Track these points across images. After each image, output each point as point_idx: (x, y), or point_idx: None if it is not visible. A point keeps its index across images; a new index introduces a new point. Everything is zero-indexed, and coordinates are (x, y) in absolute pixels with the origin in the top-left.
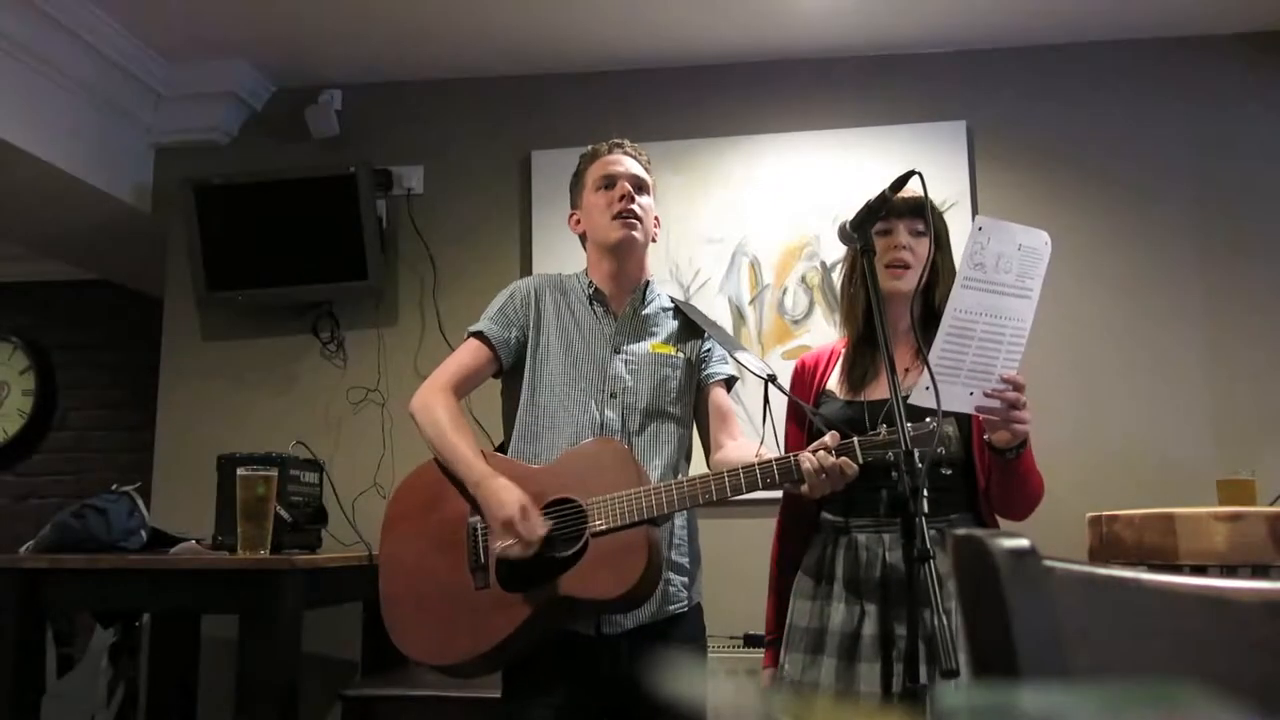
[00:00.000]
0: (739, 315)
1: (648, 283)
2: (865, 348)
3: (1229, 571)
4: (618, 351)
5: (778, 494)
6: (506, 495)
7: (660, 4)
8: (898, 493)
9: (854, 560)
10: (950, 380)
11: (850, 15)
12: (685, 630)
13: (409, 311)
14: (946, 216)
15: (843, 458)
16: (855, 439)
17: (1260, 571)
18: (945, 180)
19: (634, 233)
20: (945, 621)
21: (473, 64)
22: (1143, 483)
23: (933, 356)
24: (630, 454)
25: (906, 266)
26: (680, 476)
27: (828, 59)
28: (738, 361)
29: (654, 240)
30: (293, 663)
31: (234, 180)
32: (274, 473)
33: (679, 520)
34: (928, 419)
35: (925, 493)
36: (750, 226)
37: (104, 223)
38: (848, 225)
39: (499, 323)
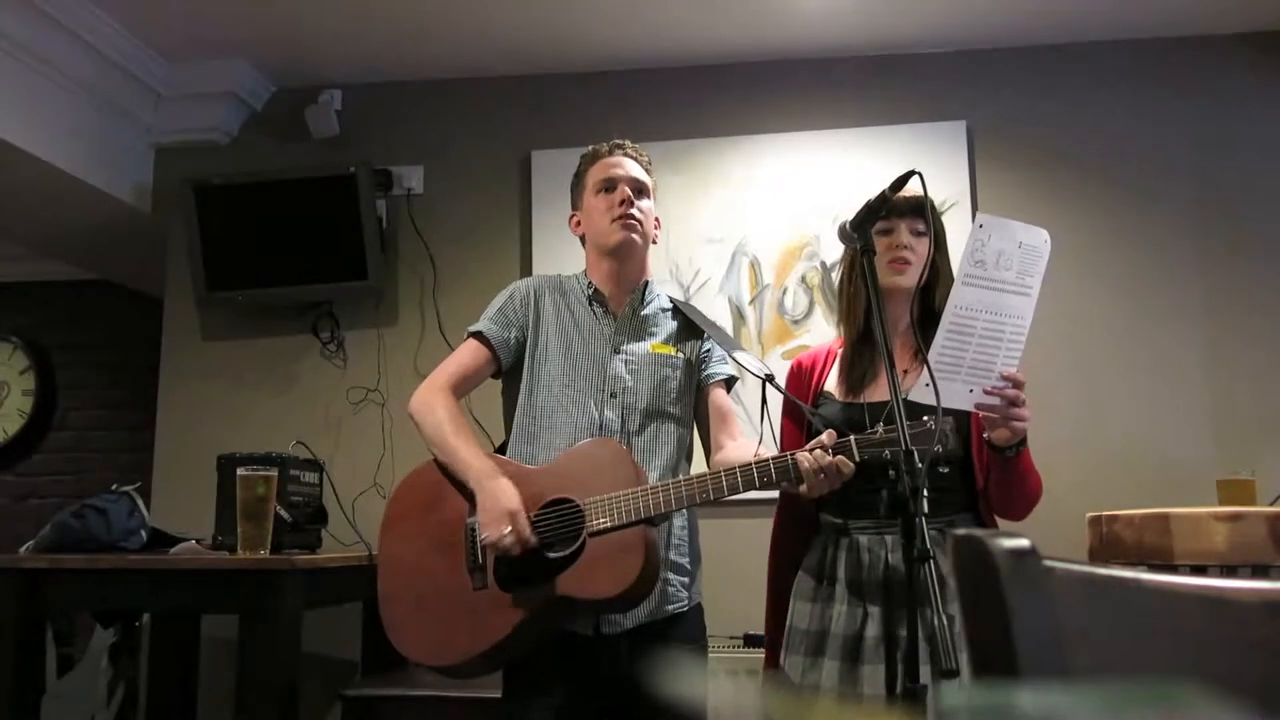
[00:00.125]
0: (739, 315)
1: (647, 283)
2: (864, 348)
3: (1229, 571)
4: (617, 351)
5: (777, 494)
6: (503, 494)
7: (660, 4)
8: (897, 493)
9: (856, 562)
10: (950, 377)
11: (850, 15)
12: (685, 630)
13: (409, 311)
14: (946, 216)
15: (839, 456)
16: (852, 437)
17: (1260, 571)
18: (945, 180)
19: (634, 235)
20: (946, 622)
21: (473, 64)
22: (1143, 483)
23: (933, 354)
24: (628, 454)
25: (908, 263)
26: (680, 477)
27: (828, 59)
28: (736, 361)
29: (654, 242)
30: (293, 663)
31: (234, 180)
32: (274, 473)
33: (679, 520)
34: (926, 418)
35: (925, 493)
36: (750, 226)
37: (104, 223)
38: (848, 225)
39: (498, 323)
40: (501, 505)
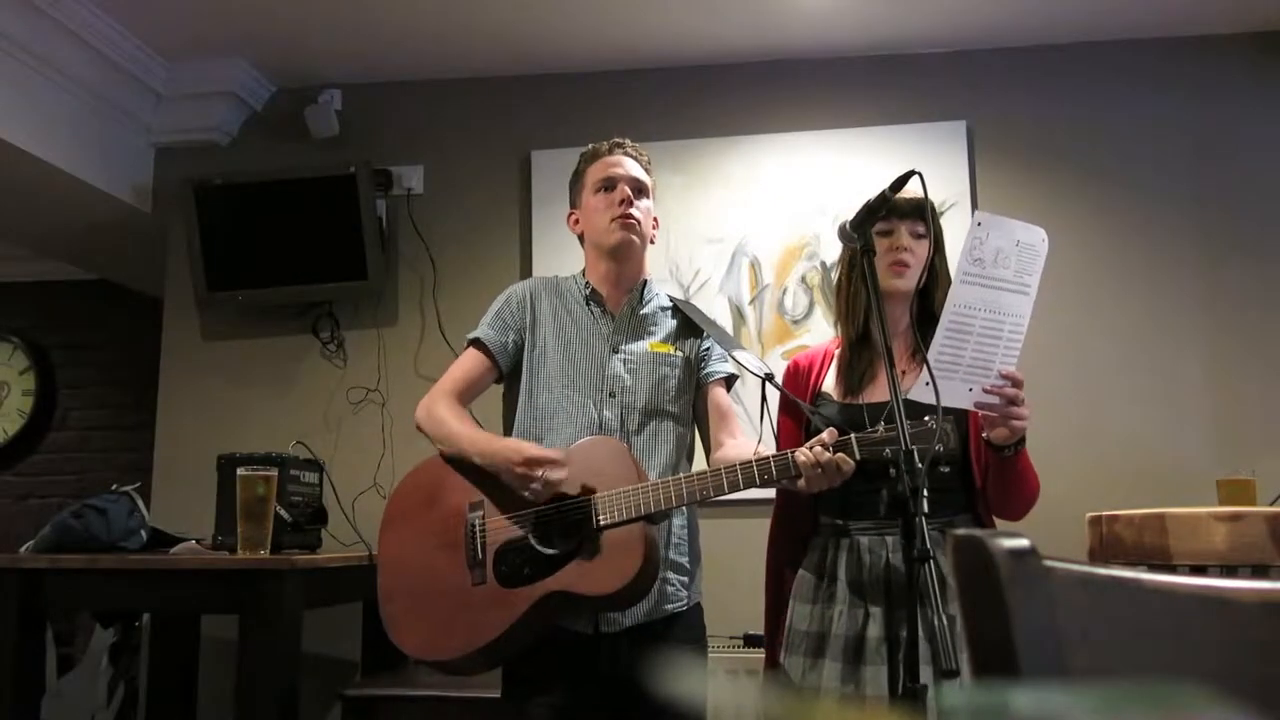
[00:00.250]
0: (739, 315)
1: (645, 282)
2: (862, 348)
3: (1229, 571)
4: (615, 351)
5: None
6: (517, 443)
7: (660, 4)
8: (898, 492)
9: (857, 563)
10: (949, 376)
11: (850, 15)
12: (685, 629)
13: (409, 311)
14: (946, 216)
15: (839, 454)
16: (852, 435)
17: (1260, 571)
18: (945, 180)
19: (633, 236)
20: (946, 622)
21: (473, 64)
22: (1143, 483)
23: (932, 353)
24: (628, 451)
25: (907, 266)
26: (680, 474)
27: (828, 59)
28: (736, 360)
29: (652, 242)
30: (293, 663)
31: (234, 180)
32: (274, 473)
33: (678, 519)
34: (926, 417)
35: (925, 493)
36: (750, 226)
37: (104, 223)
38: (848, 225)
39: (495, 328)
40: (523, 454)
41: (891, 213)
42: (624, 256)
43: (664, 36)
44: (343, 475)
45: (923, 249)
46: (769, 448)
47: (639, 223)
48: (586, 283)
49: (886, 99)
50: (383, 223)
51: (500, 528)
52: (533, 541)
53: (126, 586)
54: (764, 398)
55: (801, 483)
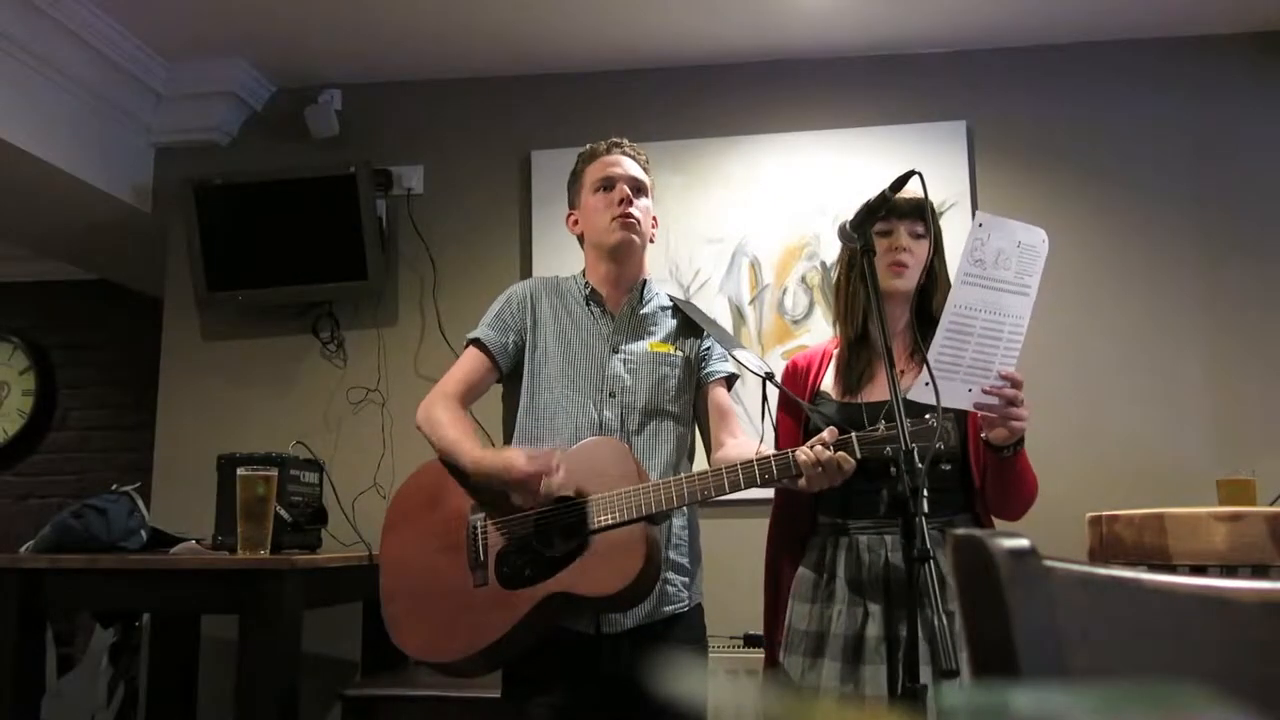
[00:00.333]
0: (739, 315)
1: (645, 282)
2: (861, 348)
3: (1229, 571)
4: (615, 351)
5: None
6: (506, 461)
7: (660, 4)
8: (898, 492)
9: (856, 562)
10: (949, 377)
11: (850, 15)
12: (686, 630)
13: (409, 311)
14: (946, 216)
15: (840, 453)
16: (853, 434)
17: (1260, 571)
18: (945, 180)
19: (632, 236)
20: (946, 622)
21: (473, 64)
22: (1143, 483)
23: (932, 353)
24: (629, 451)
25: (906, 266)
26: (680, 475)
27: (828, 59)
28: (736, 359)
29: (652, 241)
30: (293, 663)
31: (234, 180)
32: (274, 473)
33: (679, 520)
34: (927, 415)
35: (925, 492)
36: (750, 226)
37: (104, 223)
38: (848, 225)
39: (495, 328)
40: (518, 468)
41: (891, 213)
42: (624, 257)
43: (664, 36)
44: (343, 475)
45: (921, 249)
46: (770, 447)
47: (638, 222)
48: (586, 283)
49: (886, 99)
50: (383, 223)
51: (502, 529)
52: (534, 543)
53: (126, 586)
54: (764, 397)
55: (802, 482)
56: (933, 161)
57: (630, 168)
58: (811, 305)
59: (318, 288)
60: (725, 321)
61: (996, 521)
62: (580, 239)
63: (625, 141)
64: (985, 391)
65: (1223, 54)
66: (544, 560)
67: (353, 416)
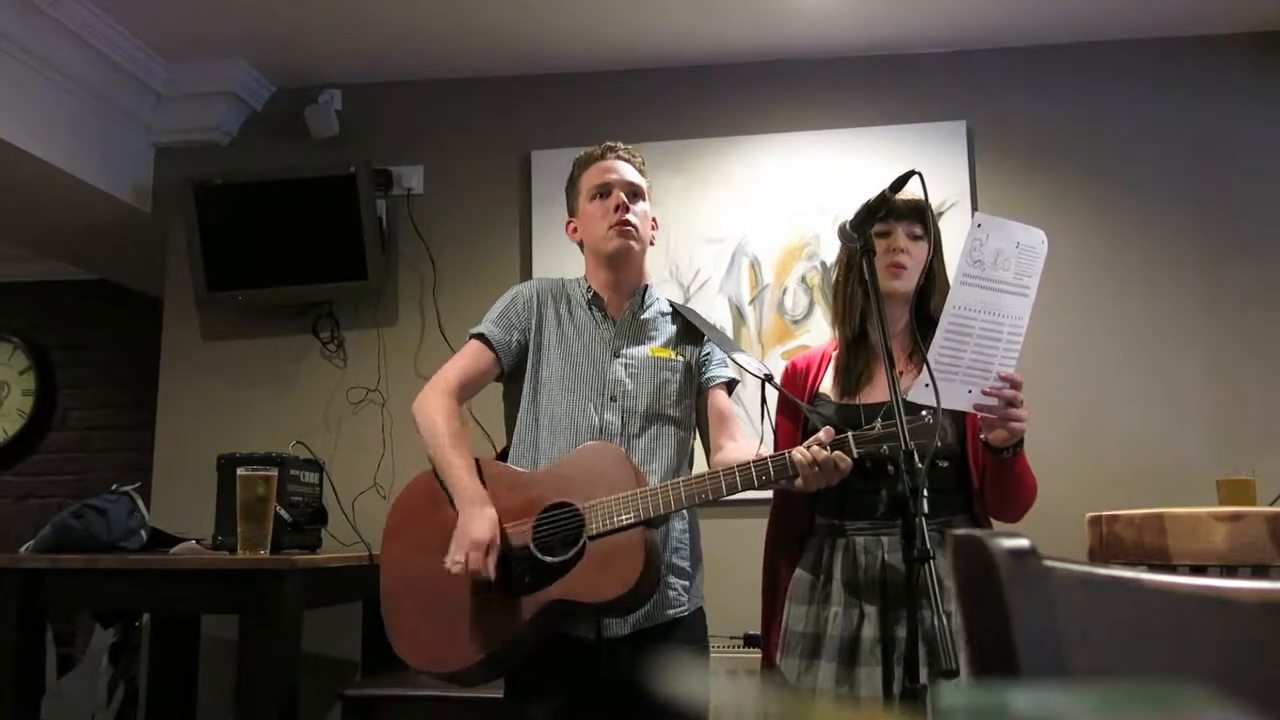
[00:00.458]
0: (739, 315)
1: (646, 287)
2: (859, 349)
3: (1229, 571)
4: (617, 355)
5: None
6: (477, 526)
7: (660, 4)
8: (898, 492)
9: (852, 563)
10: (949, 378)
11: (850, 15)
12: (686, 633)
13: (409, 311)
14: (946, 216)
15: (836, 452)
16: (849, 433)
17: (1260, 571)
18: (945, 180)
19: (631, 242)
20: (945, 622)
21: (473, 64)
22: (1143, 483)
23: (931, 354)
24: (627, 456)
25: (904, 268)
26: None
27: (828, 59)
28: (736, 363)
29: (651, 244)
30: (293, 663)
31: (234, 180)
32: (274, 473)
33: (679, 522)
34: (923, 412)
35: (925, 492)
36: (750, 226)
37: (104, 223)
38: (848, 225)
39: (500, 326)
40: (471, 536)
41: (889, 214)
42: (622, 263)
43: (664, 36)
44: (343, 475)
45: (919, 250)
46: (769, 449)
47: (636, 228)
48: (589, 287)
49: (886, 99)
50: (383, 223)
51: (501, 537)
52: (533, 549)
53: (126, 586)
54: (763, 399)
55: (799, 482)
56: (933, 161)
57: (626, 172)
58: (811, 305)
59: (318, 288)
60: (725, 322)
61: (995, 522)
62: (581, 245)
63: (620, 145)
64: (985, 392)
65: (1223, 54)
66: (543, 567)
67: (353, 416)
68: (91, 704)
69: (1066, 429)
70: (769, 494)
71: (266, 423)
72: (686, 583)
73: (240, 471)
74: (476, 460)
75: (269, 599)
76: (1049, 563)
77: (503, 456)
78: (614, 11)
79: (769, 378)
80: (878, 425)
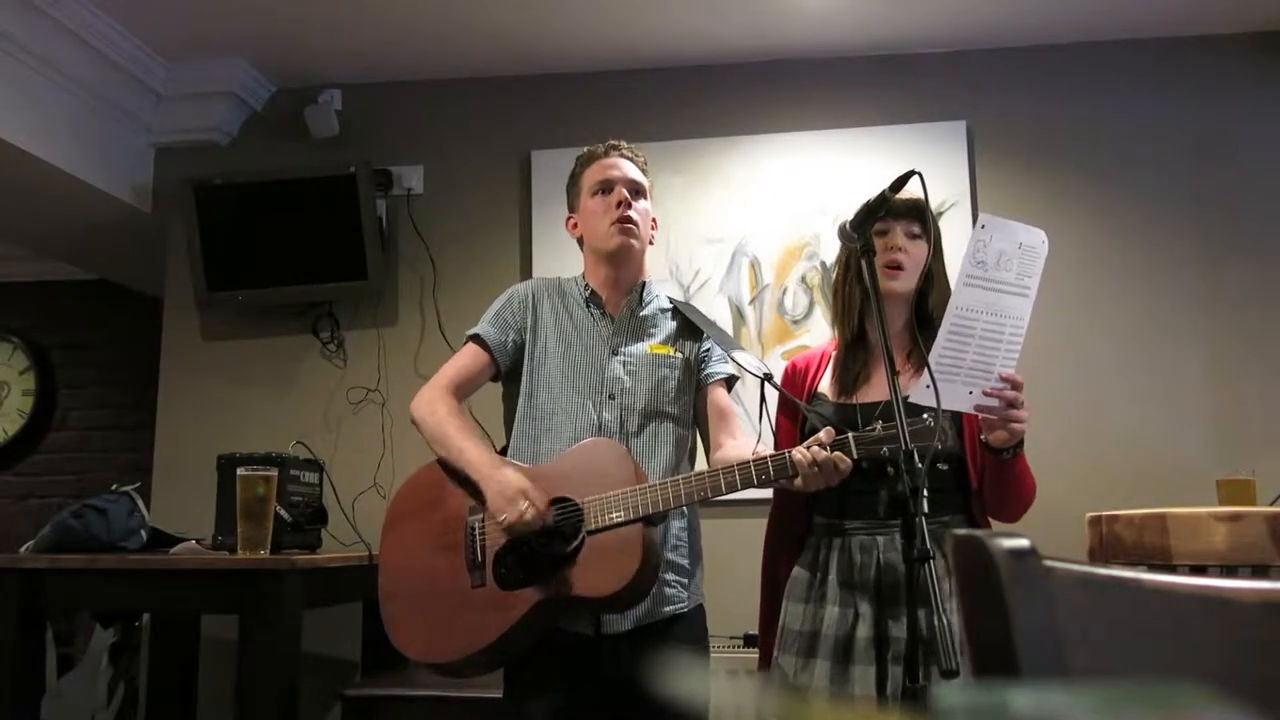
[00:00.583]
0: (739, 315)
1: (645, 284)
2: (858, 349)
3: (1229, 571)
4: (615, 353)
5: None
6: (510, 474)
7: (660, 4)
8: (898, 492)
9: (848, 562)
10: (950, 379)
11: (850, 15)
12: (686, 630)
13: (409, 311)
14: (946, 216)
15: (836, 452)
16: (850, 434)
17: (1260, 571)
18: (945, 180)
19: (632, 241)
20: (946, 622)
21: (473, 64)
22: (1143, 483)
23: (933, 356)
24: (627, 453)
25: (901, 268)
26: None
27: (828, 59)
28: (735, 361)
29: (651, 243)
30: (293, 663)
31: (234, 180)
32: (274, 473)
33: (678, 521)
34: (925, 414)
35: (925, 492)
36: (750, 226)
37: (104, 223)
38: (848, 225)
39: (496, 326)
40: (513, 487)
41: (888, 213)
42: (623, 260)
43: (664, 36)
44: (343, 475)
45: (918, 249)
46: (769, 448)
47: (637, 225)
48: (586, 285)
49: (886, 99)
50: (383, 223)
51: (500, 530)
52: (532, 543)
53: (126, 586)
54: (763, 398)
55: (799, 482)
56: (933, 161)
57: (628, 170)
58: (811, 305)
59: (318, 288)
60: (725, 322)
61: (993, 522)
62: (580, 242)
63: (623, 143)
64: (986, 393)
65: (1223, 54)
66: (542, 561)
67: (353, 416)
68: (91, 704)
69: (1066, 429)
70: (769, 493)
71: (266, 423)
72: (685, 580)
73: (240, 471)
74: None
75: (269, 599)
76: (1049, 563)
77: (501, 454)
78: (614, 11)
79: (768, 376)
80: (878, 426)
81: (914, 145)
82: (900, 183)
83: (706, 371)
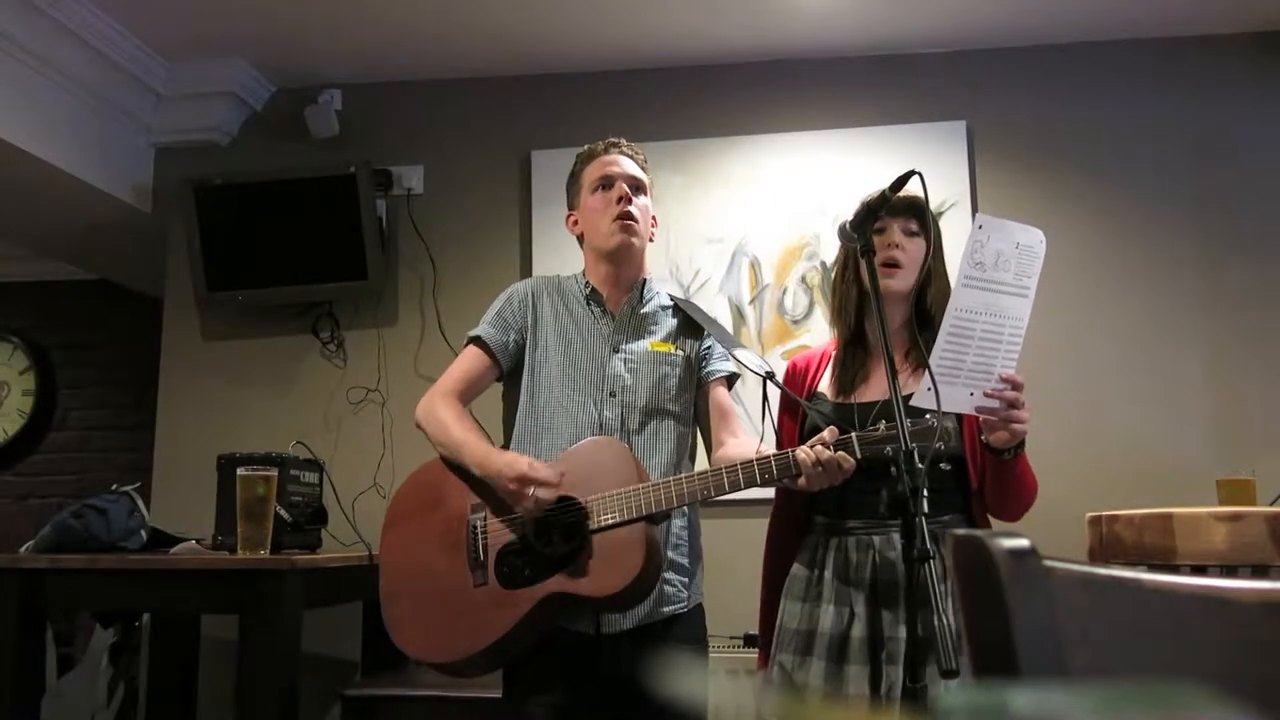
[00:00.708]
0: (739, 315)
1: (645, 281)
2: (856, 349)
3: (1229, 571)
4: (616, 351)
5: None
6: (510, 457)
7: (660, 4)
8: (898, 492)
9: (844, 562)
10: (950, 381)
11: (850, 15)
12: (686, 630)
13: (409, 311)
14: (946, 216)
15: (840, 452)
16: (853, 434)
17: (1260, 571)
18: (945, 180)
19: (632, 239)
20: (945, 621)
21: (473, 64)
22: (1143, 483)
23: (933, 358)
24: (629, 452)
25: (899, 266)
26: (681, 474)
27: (828, 59)
28: (737, 359)
29: (651, 240)
30: (293, 663)
31: (234, 180)
32: (274, 473)
33: (679, 519)
34: (927, 415)
35: (925, 492)
36: (750, 226)
37: (104, 223)
38: (848, 225)
39: (496, 326)
40: (516, 470)
41: (886, 210)
42: (623, 258)
43: (664, 36)
44: (343, 475)
45: (915, 247)
46: (770, 446)
47: (637, 222)
48: (587, 282)
49: (886, 99)
50: (383, 223)
51: (501, 529)
52: (534, 542)
53: (126, 586)
54: (765, 396)
55: (802, 481)
56: (933, 161)
57: (628, 166)
58: (811, 305)
59: (318, 288)
60: (725, 321)
61: (994, 522)
62: (580, 239)
63: (623, 141)
64: (987, 394)
65: (1223, 54)
66: (544, 560)
67: (353, 416)
68: (91, 704)
69: (1066, 429)
70: (769, 492)
71: (266, 423)
72: (686, 579)
73: (240, 471)
74: None
75: (269, 599)
76: (1049, 563)
77: None
78: (614, 11)
79: (770, 375)
80: (882, 426)
81: (914, 145)
82: (900, 182)
83: (707, 369)
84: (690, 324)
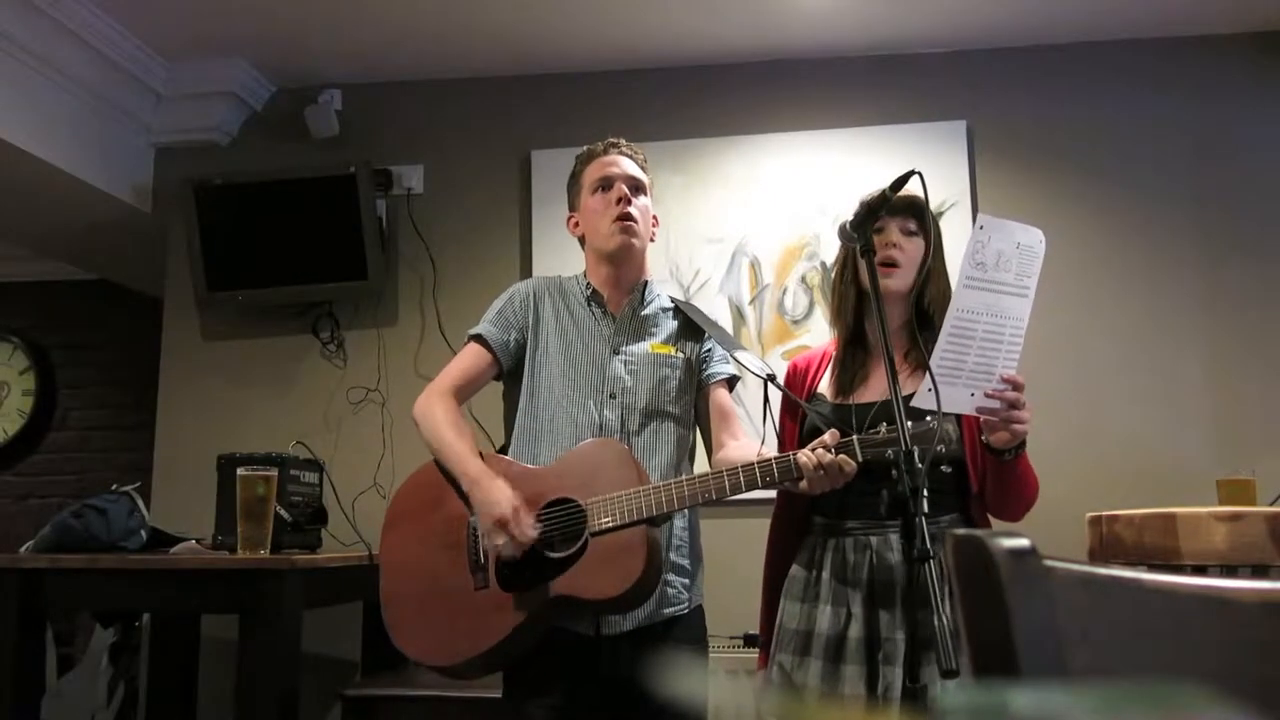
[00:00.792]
0: (739, 315)
1: (646, 283)
2: (855, 349)
3: (1229, 571)
4: (616, 352)
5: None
6: (499, 494)
7: (660, 4)
8: (898, 492)
9: (841, 562)
10: (951, 382)
11: (850, 15)
12: (686, 631)
13: (409, 311)
14: (946, 216)
15: (841, 455)
16: (855, 437)
17: (1260, 571)
18: (945, 180)
19: (633, 240)
20: (945, 621)
21: (473, 64)
22: (1143, 483)
23: (934, 359)
24: (630, 454)
25: (896, 265)
26: (682, 476)
27: (828, 59)
28: (737, 361)
29: (652, 240)
30: (293, 663)
31: (234, 180)
32: (274, 473)
33: (679, 521)
34: (928, 417)
35: (925, 493)
36: (750, 226)
37: (104, 223)
38: (848, 225)
39: (498, 325)
40: (496, 511)
41: (885, 210)
42: (623, 259)
43: (664, 36)
44: (343, 475)
45: (914, 246)
46: (771, 449)
47: (637, 223)
48: (588, 284)
49: (886, 99)
50: (383, 223)
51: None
52: (535, 545)
53: (126, 586)
54: (766, 398)
55: (804, 484)
56: (933, 161)
57: (628, 167)
58: (811, 305)
59: (318, 288)
60: (725, 322)
61: (994, 522)
62: (581, 241)
63: (623, 141)
64: (987, 395)
65: (1223, 54)
66: (545, 562)
67: (353, 416)
68: (91, 704)
69: (1066, 429)
70: (770, 494)
71: (266, 423)
72: (686, 580)
73: (240, 471)
74: (480, 453)
75: (269, 599)
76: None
77: (502, 454)
78: (614, 11)
79: (771, 377)
80: (883, 428)
81: (914, 145)
82: (900, 182)
83: (708, 371)
84: (691, 326)
